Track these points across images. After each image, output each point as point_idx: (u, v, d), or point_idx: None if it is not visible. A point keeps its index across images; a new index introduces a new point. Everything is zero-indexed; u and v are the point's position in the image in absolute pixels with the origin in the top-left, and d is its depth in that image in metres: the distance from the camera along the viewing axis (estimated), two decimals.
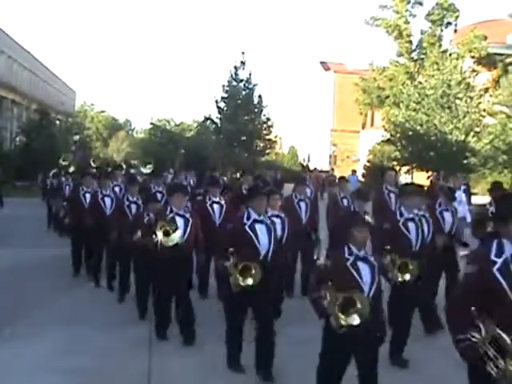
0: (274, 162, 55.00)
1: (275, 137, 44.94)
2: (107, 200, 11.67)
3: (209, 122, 41.97)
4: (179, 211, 8.14)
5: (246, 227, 6.88)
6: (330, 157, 59.09)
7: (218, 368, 7.08)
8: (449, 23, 45.27)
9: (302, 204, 10.83)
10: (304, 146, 64.24)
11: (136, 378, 6.92)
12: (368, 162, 45.59)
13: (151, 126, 59.84)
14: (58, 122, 49.67)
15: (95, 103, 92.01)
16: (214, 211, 10.37)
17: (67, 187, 17.38)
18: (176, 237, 7.84)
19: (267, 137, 41.21)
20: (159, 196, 11.67)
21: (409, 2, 45.36)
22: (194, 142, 48.64)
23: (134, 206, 10.71)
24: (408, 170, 38.15)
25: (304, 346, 7.13)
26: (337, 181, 13.92)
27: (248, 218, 6.94)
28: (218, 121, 40.72)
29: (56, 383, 6.78)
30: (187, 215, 8.18)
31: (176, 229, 7.87)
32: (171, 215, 8.08)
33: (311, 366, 5.75)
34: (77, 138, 45.60)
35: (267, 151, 42.50)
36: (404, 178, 43.45)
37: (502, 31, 47.55)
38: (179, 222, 8.09)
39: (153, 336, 8.33)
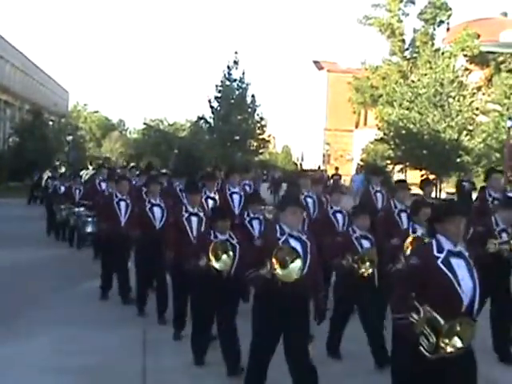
0: (268, 161, 55.06)
1: (269, 136, 44.93)
2: (157, 211, 9.46)
3: (202, 121, 41.86)
4: (292, 232, 5.97)
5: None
6: (324, 156, 59.17)
7: (214, 367, 7.08)
8: (441, 22, 45.45)
9: (339, 216, 9.74)
10: (297, 145, 64.35)
11: (131, 377, 6.92)
12: (361, 160, 45.65)
13: (144, 125, 59.82)
14: (50, 122, 49.52)
15: (88, 103, 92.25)
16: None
17: (77, 191, 16.02)
18: (296, 268, 5.66)
19: (261, 136, 41.15)
20: (211, 203, 10.02)
21: (401, 1, 45.50)
22: (188, 142, 48.60)
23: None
24: (401, 169, 38.23)
25: None
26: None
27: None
28: (211, 120, 40.65)
29: (51, 382, 6.78)
30: (303, 237, 6.02)
31: (296, 257, 5.69)
32: (283, 238, 5.92)
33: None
34: (70, 138, 45.43)
35: (261, 151, 42.44)
36: (397, 177, 43.70)
37: (494, 29, 47.73)
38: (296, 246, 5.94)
39: (147, 335, 8.34)
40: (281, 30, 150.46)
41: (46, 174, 23.28)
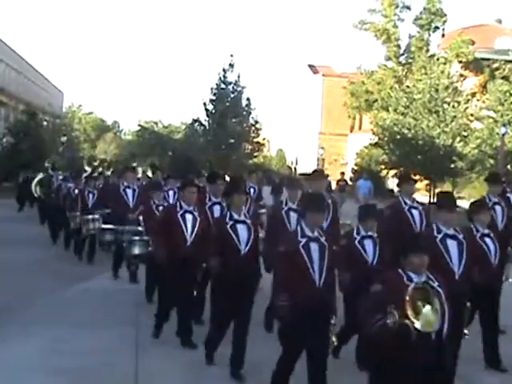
0: (262, 164, 55.07)
1: (263, 139, 44.99)
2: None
3: (197, 124, 41.92)
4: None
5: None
6: (318, 160, 59.19)
7: (209, 368, 7.09)
8: (436, 28, 45.57)
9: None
10: (292, 149, 64.38)
11: (123, 379, 6.91)
12: (356, 165, 45.71)
13: (139, 127, 59.76)
14: (45, 123, 49.40)
15: (83, 104, 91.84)
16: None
17: (90, 196, 14.40)
18: (430, 312, 4.62)
19: (255, 139, 41.24)
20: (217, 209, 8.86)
21: (397, 7, 45.62)
22: (182, 145, 48.59)
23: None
24: (395, 174, 38.29)
25: None
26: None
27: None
28: (206, 123, 40.72)
29: (42, 383, 6.75)
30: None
31: (430, 301, 4.63)
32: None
33: None
34: (64, 139, 45.38)
35: (255, 154, 42.51)
36: (392, 182, 43.78)
37: (489, 36, 47.92)
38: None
39: (140, 336, 8.33)
40: (276, 33, 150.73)
41: (39, 176, 22.06)
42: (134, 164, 32.65)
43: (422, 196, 29.89)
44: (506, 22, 56.95)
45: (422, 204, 8.76)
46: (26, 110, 46.49)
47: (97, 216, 13.32)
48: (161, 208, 9.81)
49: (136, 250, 10.48)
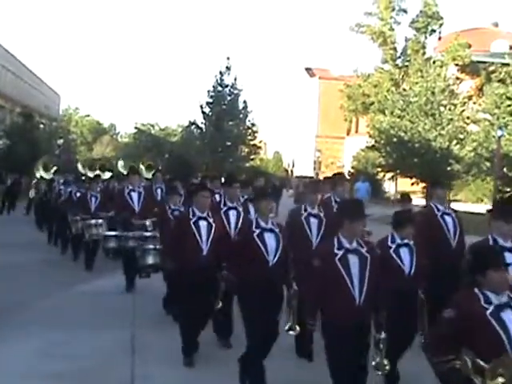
0: (259, 167, 55.06)
1: (260, 142, 45.01)
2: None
3: (193, 126, 41.92)
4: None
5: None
6: (315, 163, 59.27)
7: (206, 373, 7.06)
8: (433, 31, 45.73)
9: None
10: (288, 152, 64.46)
11: (120, 382, 6.88)
12: (352, 168, 45.77)
13: (136, 130, 59.71)
14: (41, 125, 49.35)
15: (80, 107, 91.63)
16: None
17: (93, 199, 13.82)
18: None
19: (252, 142, 41.25)
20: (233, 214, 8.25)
21: (393, 10, 45.77)
22: (179, 147, 48.57)
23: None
24: (392, 177, 38.38)
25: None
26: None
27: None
28: (202, 126, 40.72)
29: None
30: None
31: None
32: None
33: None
34: (61, 141, 45.32)
35: (252, 157, 42.51)
36: (388, 185, 43.84)
37: (485, 39, 48.11)
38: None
39: (135, 340, 8.29)
40: (273, 36, 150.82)
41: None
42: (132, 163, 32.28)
43: (419, 199, 29.91)
44: (502, 26, 57.27)
45: (455, 210, 8.18)
46: (22, 112, 46.43)
47: (100, 221, 12.95)
48: (176, 213, 9.25)
49: (150, 260, 9.89)
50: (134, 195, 11.67)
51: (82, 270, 13.32)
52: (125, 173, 17.90)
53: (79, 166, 21.40)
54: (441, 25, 46.02)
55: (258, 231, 6.40)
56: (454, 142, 32.41)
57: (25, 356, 7.58)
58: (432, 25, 45.23)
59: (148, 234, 10.45)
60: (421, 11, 45.07)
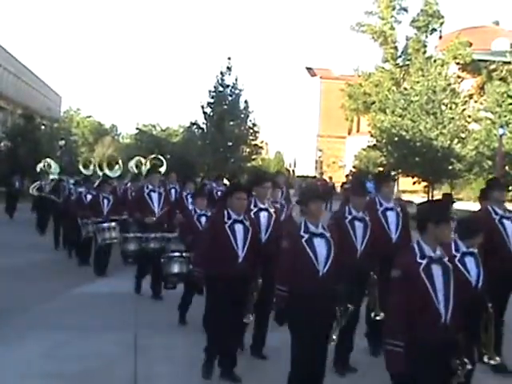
0: (260, 167, 55.01)
1: (261, 142, 44.97)
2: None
3: (195, 127, 41.88)
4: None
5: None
6: (316, 162, 59.22)
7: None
8: (434, 30, 45.74)
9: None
10: (290, 152, 64.36)
11: (122, 382, 6.87)
12: (354, 167, 45.73)
13: (137, 131, 59.69)
14: (43, 127, 49.39)
15: (81, 108, 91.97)
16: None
17: (105, 201, 13.19)
18: None
19: (253, 142, 41.20)
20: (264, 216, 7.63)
21: (394, 9, 45.79)
22: (180, 148, 48.55)
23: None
24: (394, 176, 38.32)
25: None
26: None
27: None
28: (204, 126, 40.69)
29: None
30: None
31: None
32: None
33: None
34: (62, 143, 45.34)
35: (253, 157, 42.48)
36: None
37: (486, 38, 48.08)
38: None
39: (138, 341, 8.29)
40: (274, 36, 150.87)
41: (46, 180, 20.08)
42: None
43: (420, 198, 29.89)
44: (503, 24, 57.28)
45: None
46: (23, 114, 46.48)
47: (113, 224, 12.38)
48: (203, 219, 8.70)
49: (175, 269, 9.07)
50: (154, 196, 11.07)
51: (84, 272, 13.30)
52: (136, 172, 17.74)
53: (81, 167, 20.97)
54: (441, 23, 46.03)
55: (306, 236, 5.68)
56: (456, 140, 32.38)
57: (26, 357, 7.56)
58: (433, 23, 45.24)
59: (171, 235, 9.99)
60: (421, 10, 45.08)
